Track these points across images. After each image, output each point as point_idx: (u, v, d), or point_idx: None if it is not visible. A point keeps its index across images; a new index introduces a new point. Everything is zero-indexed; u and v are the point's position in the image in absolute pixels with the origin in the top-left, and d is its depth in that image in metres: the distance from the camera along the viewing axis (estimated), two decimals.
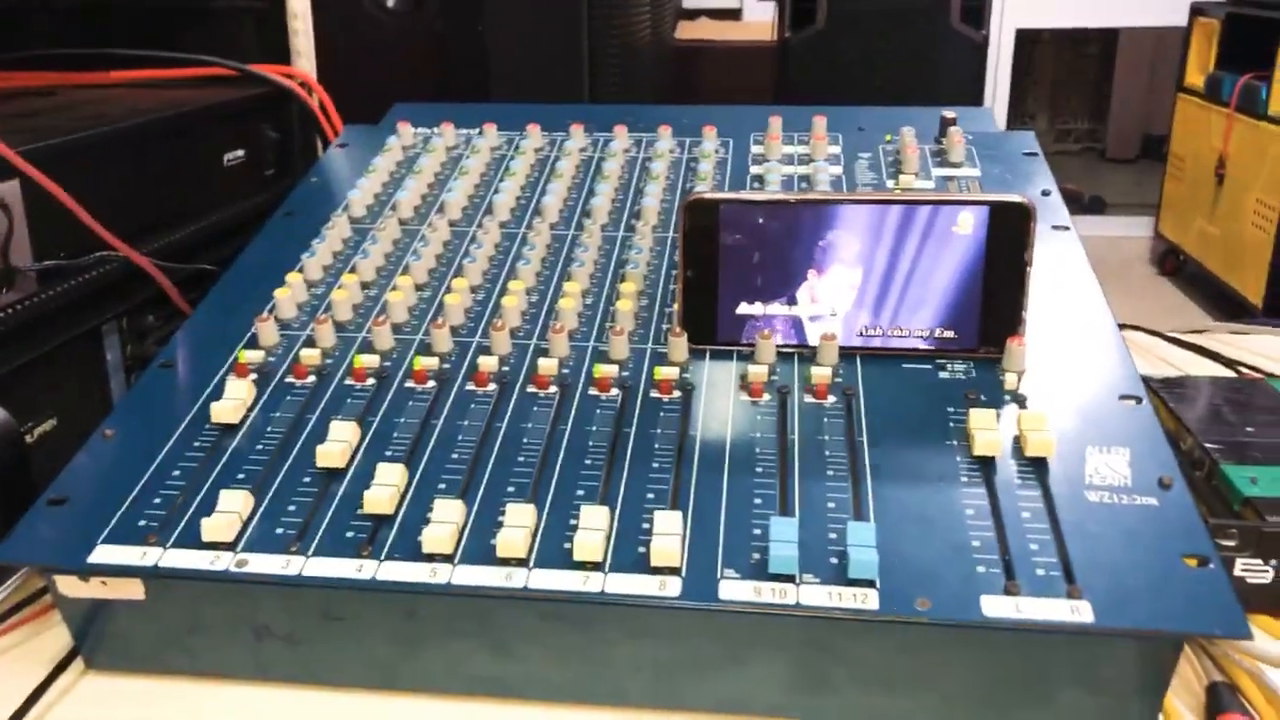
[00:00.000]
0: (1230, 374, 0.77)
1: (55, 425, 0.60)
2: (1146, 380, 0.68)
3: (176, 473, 0.50)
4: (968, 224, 0.53)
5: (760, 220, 0.55)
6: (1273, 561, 0.51)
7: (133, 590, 0.46)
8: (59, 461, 0.51)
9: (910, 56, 1.96)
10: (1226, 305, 3.02)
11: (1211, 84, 3.11)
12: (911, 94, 1.95)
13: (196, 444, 0.52)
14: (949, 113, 0.75)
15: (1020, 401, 0.52)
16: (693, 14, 3.29)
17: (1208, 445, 0.59)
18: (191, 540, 0.46)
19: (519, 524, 0.46)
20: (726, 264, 0.55)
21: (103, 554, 0.46)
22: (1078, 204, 4.20)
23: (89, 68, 0.82)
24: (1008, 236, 0.53)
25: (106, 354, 0.65)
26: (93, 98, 0.78)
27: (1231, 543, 0.51)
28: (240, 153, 0.80)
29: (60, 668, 0.49)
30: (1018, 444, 0.49)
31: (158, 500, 0.49)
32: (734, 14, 3.72)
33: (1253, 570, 0.51)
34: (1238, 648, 0.48)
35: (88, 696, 0.48)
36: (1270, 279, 2.75)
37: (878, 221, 0.54)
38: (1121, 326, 0.91)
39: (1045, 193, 0.69)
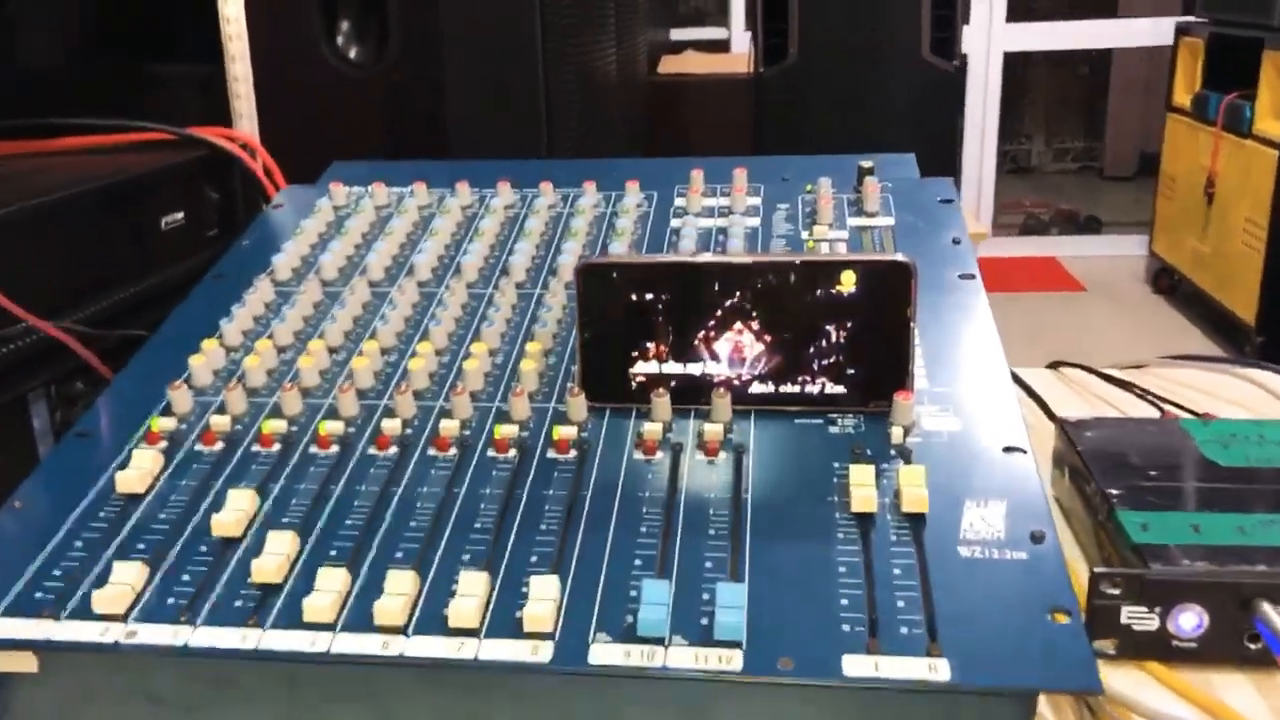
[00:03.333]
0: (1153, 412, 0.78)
1: None
2: (1062, 422, 0.69)
3: (78, 544, 0.51)
4: (850, 282, 0.54)
5: (652, 282, 0.56)
6: (1157, 609, 0.52)
7: (26, 663, 0.48)
8: None
9: (882, 88, 1.98)
10: (1220, 324, 3.01)
11: (1198, 103, 3.12)
12: (885, 125, 1.97)
13: (101, 514, 0.53)
14: (865, 162, 0.76)
15: (905, 456, 0.53)
16: (680, 46, 3.32)
17: (1107, 490, 0.59)
18: (85, 613, 0.48)
19: (399, 591, 0.47)
20: (621, 324, 0.57)
21: None
22: (1073, 224, 4.20)
23: (29, 137, 0.84)
24: (891, 294, 0.55)
25: (34, 421, 0.66)
26: (32, 167, 0.80)
27: (1116, 590, 0.52)
28: (179, 215, 0.82)
29: None
30: (896, 499, 0.50)
31: (56, 573, 0.50)
32: (723, 45, 3.76)
33: (1138, 618, 0.52)
34: (1115, 701, 0.49)
35: None
36: (1262, 296, 2.75)
37: (765, 281, 0.55)
38: (1056, 364, 0.92)
39: (955, 240, 0.70)
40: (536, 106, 1.26)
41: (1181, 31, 3.29)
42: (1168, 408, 0.78)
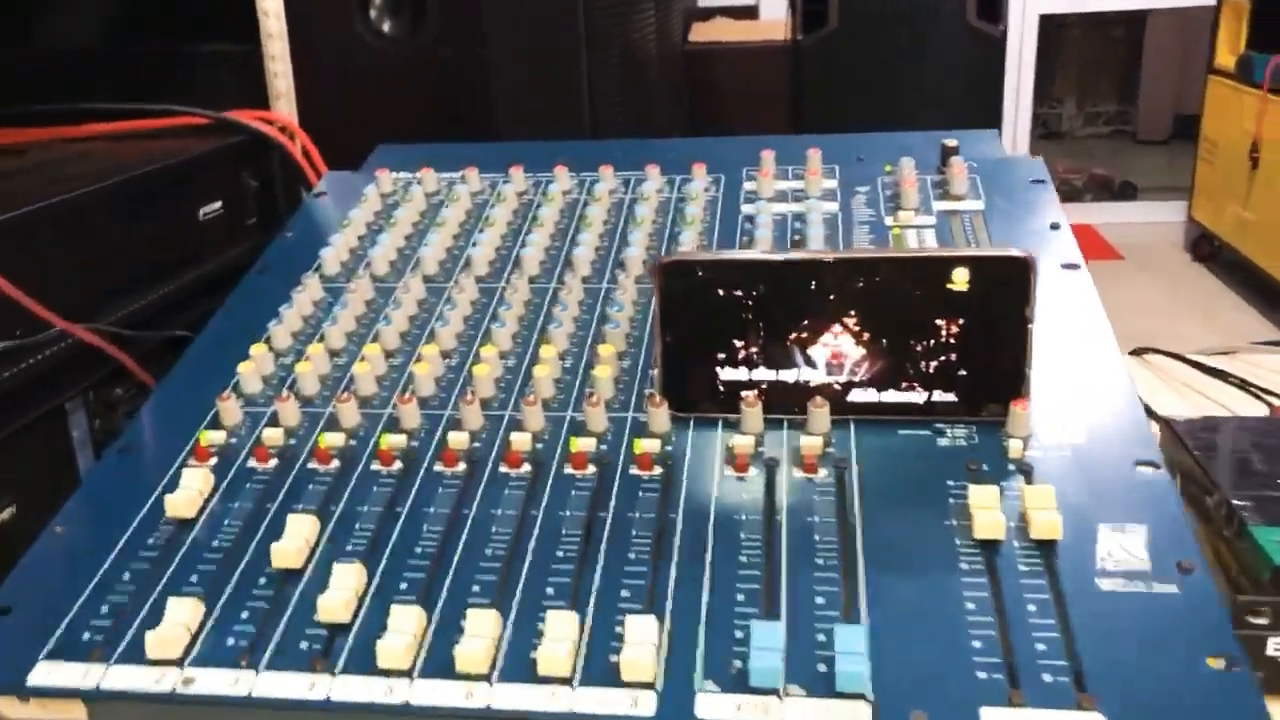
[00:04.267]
0: (1260, 408, 0.72)
1: (14, 512, 0.57)
2: (1168, 422, 0.64)
3: (126, 576, 0.47)
4: (963, 280, 0.49)
5: (741, 281, 0.51)
6: None
7: (75, 712, 0.44)
8: (20, 551, 0.49)
9: (926, 54, 1.91)
10: (1266, 292, 2.93)
11: (1243, 65, 3.02)
12: (928, 92, 1.90)
13: (149, 542, 0.49)
14: (950, 140, 0.71)
15: (1025, 473, 0.48)
16: (707, 13, 3.24)
17: (1236, 503, 0.54)
18: (137, 655, 0.44)
19: (481, 633, 0.42)
20: (707, 327, 0.52)
21: (43, 673, 0.43)
22: (1108, 190, 4.11)
23: (61, 123, 0.80)
24: (1007, 292, 0.49)
25: (72, 431, 0.62)
26: (62, 155, 0.75)
27: (1262, 620, 0.47)
28: (218, 204, 0.77)
29: None
30: (1023, 522, 0.46)
31: (104, 609, 0.46)
32: (750, 11, 3.67)
33: None
34: None
35: None
36: None
37: (868, 280, 0.50)
38: (1138, 351, 0.86)
39: (1054, 226, 0.65)
40: (579, 81, 1.21)
41: None
42: (1274, 401, 0.72)
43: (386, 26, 1.30)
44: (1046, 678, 0.40)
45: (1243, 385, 0.76)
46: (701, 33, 2.63)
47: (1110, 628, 0.41)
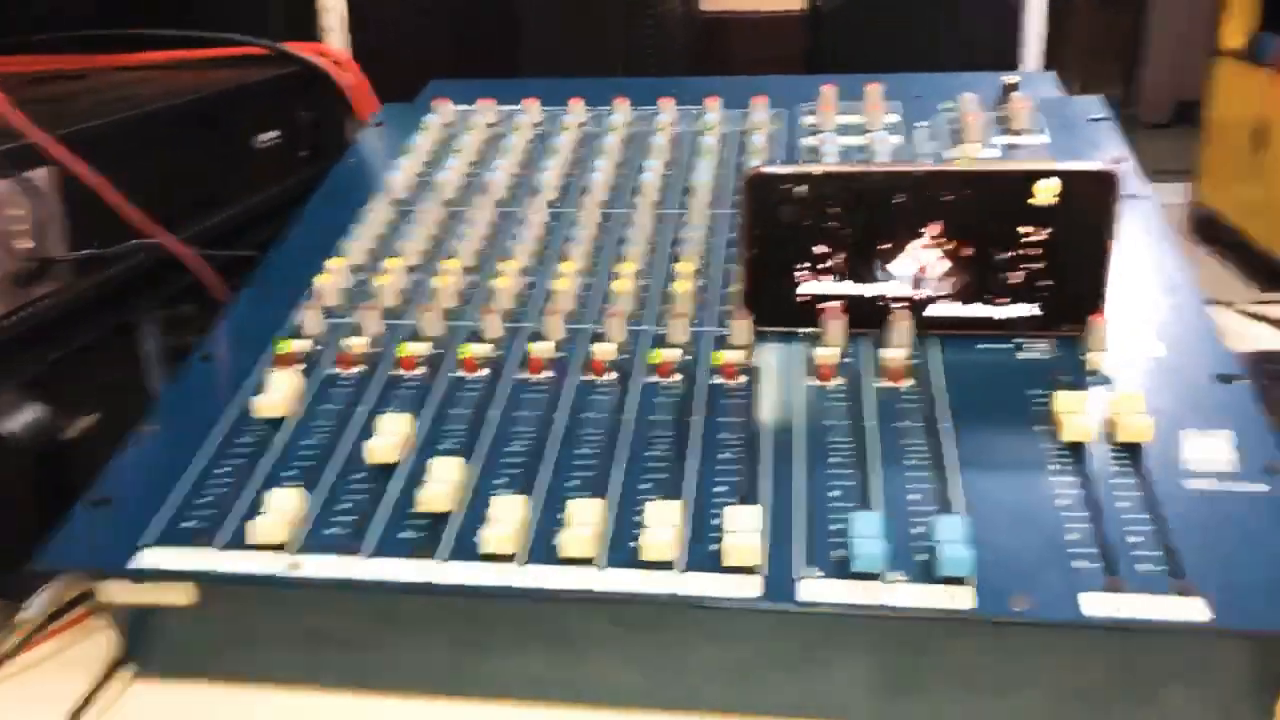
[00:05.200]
0: None
1: (94, 422, 0.57)
2: (1260, 356, 0.65)
3: (222, 470, 0.48)
4: (1047, 194, 0.50)
5: (827, 194, 0.52)
6: None
7: (183, 594, 0.44)
8: (99, 459, 0.49)
9: (944, 21, 1.91)
10: (1270, 274, 2.95)
11: (1252, 46, 3.03)
12: (946, 60, 1.89)
13: (241, 440, 0.50)
14: (1011, 78, 0.71)
15: (1106, 382, 0.49)
16: None
17: None
18: (242, 541, 0.44)
19: (585, 521, 0.43)
20: (791, 241, 0.52)
21: (150, 557, 0.44)
22: None
23: (118, 49, 0.80)
24: (1089, 207, 0.50)
25: (145, 346, 0.63)
26: (123, 80, 0.75)
27: None
28: (274, 134, 0.78)
29: (109, 673, 0.47)
30: (1108, 428, 0.46)
31: (204, 500, 0.46)
32: None
33: None
34: None
35: (137, 704, 0.46)
36: None
37: (953, 193, 0.51)
38: None
39: (1119, 160, 0.65)
40: (615, 39, 1.21)
41: None
42: None
43: None
44: (1142, 567, 0.41)
45: None
46: (713, 2, 2.62)
47: (1201, 523, 0.42)
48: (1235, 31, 3.19)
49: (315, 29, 0.85)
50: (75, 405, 0.56)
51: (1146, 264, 0.57)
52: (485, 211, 0.63)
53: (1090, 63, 4.98)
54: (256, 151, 0.76)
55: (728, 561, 0.42)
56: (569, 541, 0.42)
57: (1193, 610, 0.39)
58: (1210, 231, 3.39)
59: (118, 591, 0.45)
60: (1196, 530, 0.42)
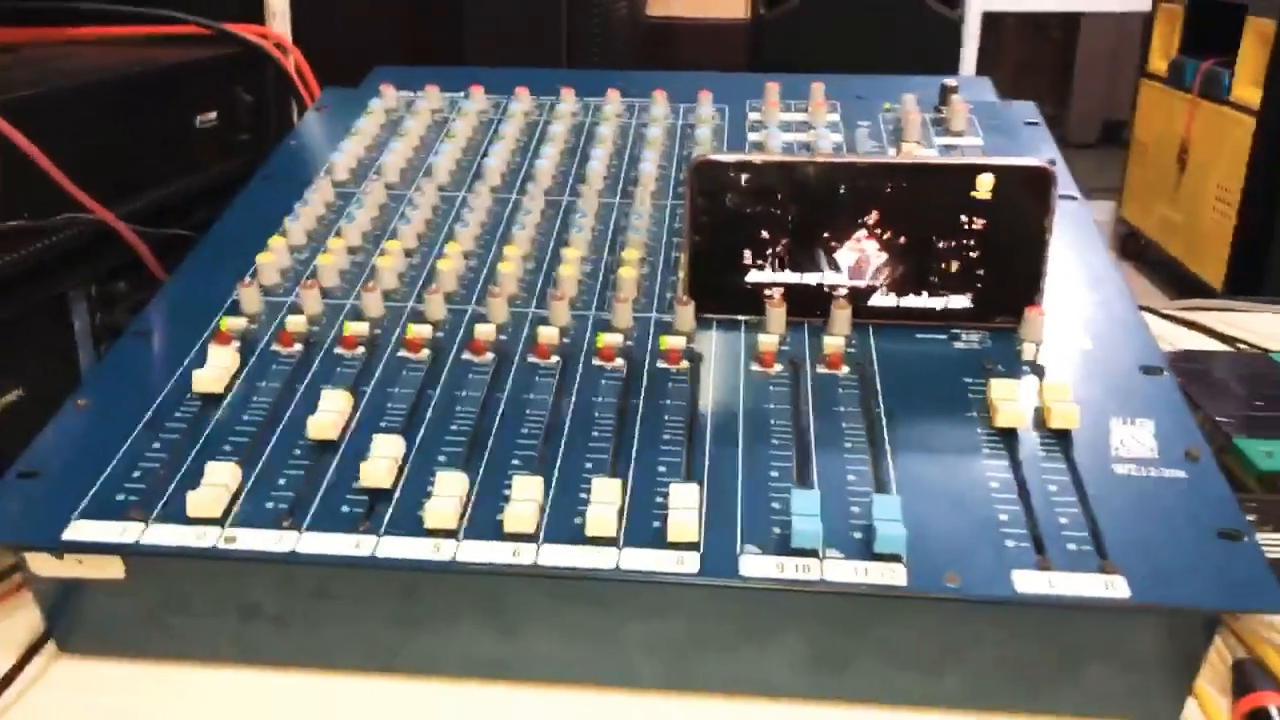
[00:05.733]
0: (1225, 350, 0.76)
1: (20, 396, 0.56)
2: None
3: (157, 445, 0.47)
4: (987, 187, 0.51)
5: (771, 183, 0.52)
6: None
7: (111, 569, 0.43)
8: (24, 435, 0.48)
9: (885, 36, 1.95)
10: (1186, 288, 3.04)
11: (1174, 70, 3.13)
12: (886, 73, 1.93)
13: (177, 415, 0.49)
14: (950, 81, 0.73)
15: (1039, 372, 0.51)
16: None
17: (1219, 420, 0.57)
18: (175, 515, 0.44)
19: (527, 497, 0.43)
20: (735, 229, 0.53)
21: (79, 530, 0.43)
22: None
23: (52, 24, 0.78)
24: (1028, 201, 0.52)
25: (74, 322, 0.61)
26: (57, 55, 0.74)
27: (1250, 518, 0.50)
28: (213, 115, 0.76)
29: (31, 651, 0.46)
30: (1039, 416, 0.48)
31: (137, 473, 0.46)
32: None
33: (1271, 545, 0.50)
34: (1263, 622, 0.47)
35: (62, 681, 0.45)
36: (1230, 262, 2.78)
37: (894, 185, 0.52)
38: None
39: (1051, 162, 0.67)
40: (558, 37, 1.21)
41: None
42: (1241, 346, 0.76)
43: None
44: (1071, 546, 0.42)
45: (1212, 333, 0.80)
46: (659, 6, 2.64)
47: (1126, 506, 0.44)
48: (1159, 55, 3.30)
49: (262, 12, 0.84)
50: (2, 380, 0.54)
51: (1077, 262, 0.58)
52: (429, 195, 0.63)
53: (1021, 81, 5.10)
54: (196, 131, 0.75)
55: (669, 538, 0.42)
56: (511, 517, 0.42)
57: (1115, 588, 0.40)
58: (1133, 248, 3.50)
59: (45, 565, 0.44)
60: (1120, 513, 0.43)
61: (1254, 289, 2.65)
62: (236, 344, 0.53)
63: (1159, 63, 3.28)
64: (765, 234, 0.53)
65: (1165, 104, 3.21)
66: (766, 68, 2.06)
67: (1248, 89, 2.74)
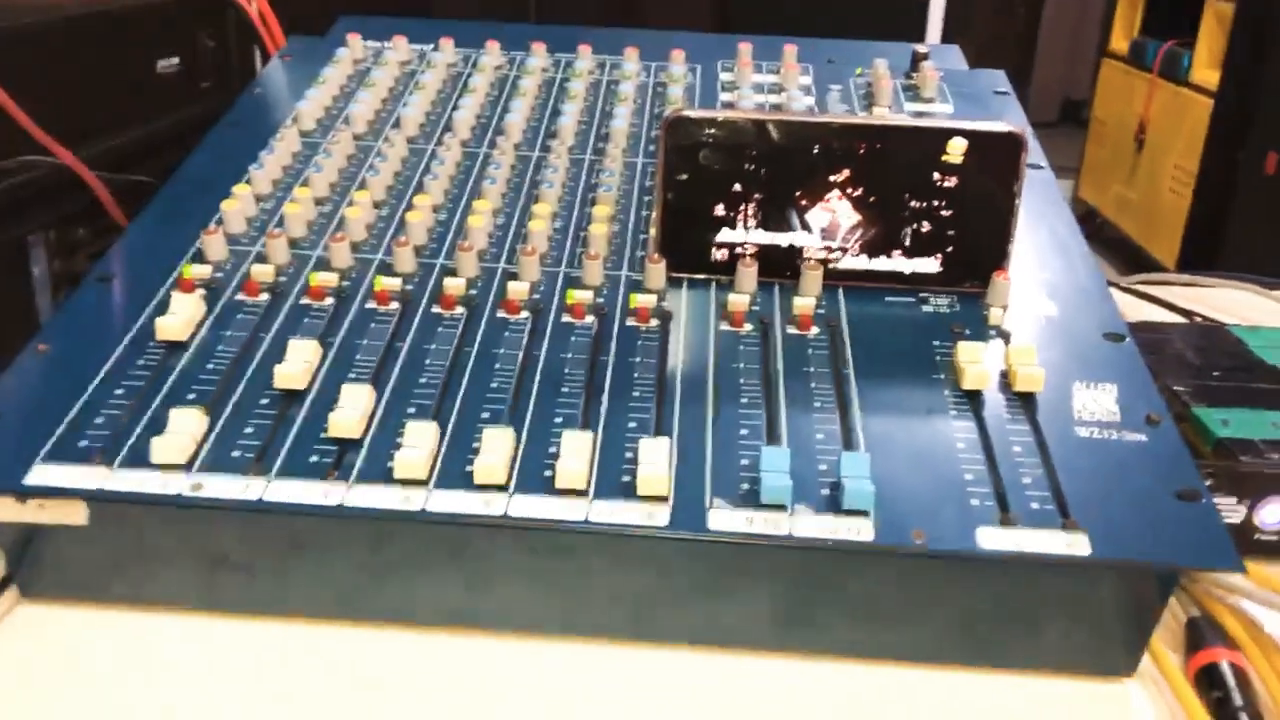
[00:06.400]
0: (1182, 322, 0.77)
1: None
2: None
3: (120, 391, 0.46)
4: (959, 152, 0.52)
5: (746, 141, 0.52)
6: (1245, 501, 0.51)
7: (75, 514, 0.43)
8: None
9: (851, 5, 1.95)
10: (1140, 266, 3.09)
11: (1135, 50, 3.16)
12: (853, 34, 1.93)
13: (141, 361, 0.48)
14: (921, 48, 0.73)
15: (1005, 336, 0.51)
16: None
17: (1177, 389, 0.59)
18: (140, 461, 0.43)
19: (497, 449, 0.43)
20: (707, 187, 0.53)
21: (41, 474, 0.42)
22: None
23: None
24: (998, 166, 0.52)
25: (33, 268, 0.60)
26: None
27: (1207, 483, 0.51)
28: (175, 60, 0.75)
29: None
30: (1005, 378, 0.48)
31: (100, 419, 0.45)
32: None
33: (1226, 509, 0.52)
34: (1217, 583, 0.48)
35: (21, 625, 0.45)
36: (1184, 242, 2.82)
37: (869, 146, 0.52)
38: None
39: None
40: None
41: None
42: (1198, 318, 0.77)
43: None
44: (1034, 505, 0.43)
45: (1171, 306, 0.82)
46: None
47: (1088, 466, 0.44)
48: (1121, 35, 3.33)
49: None
50: None
51: (1044, 230, 0.59)
52: (397, 147, 0.62)
53: (984, 57, 5.13)
54: (156, 76, 0.73)
55: (639, 491, 0.42)
56: (481, 468, 0.42)
57: (1076, 545, 0.41)
58: (1090, 226, 3.54)
59: (6, 510, 0.43)
60: (1082, 473, 0.44)
61: (1206, 269, 2.70)
62: (201, 292, 0.52)
63: (1120, 42, 3.31)
64: (738, 192, 0.53)
65: (1125, 84, 3.24)
66: (730, 22, 2.05)
67: (1206, 71, 2.77)
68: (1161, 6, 3.10)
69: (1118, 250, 3.29)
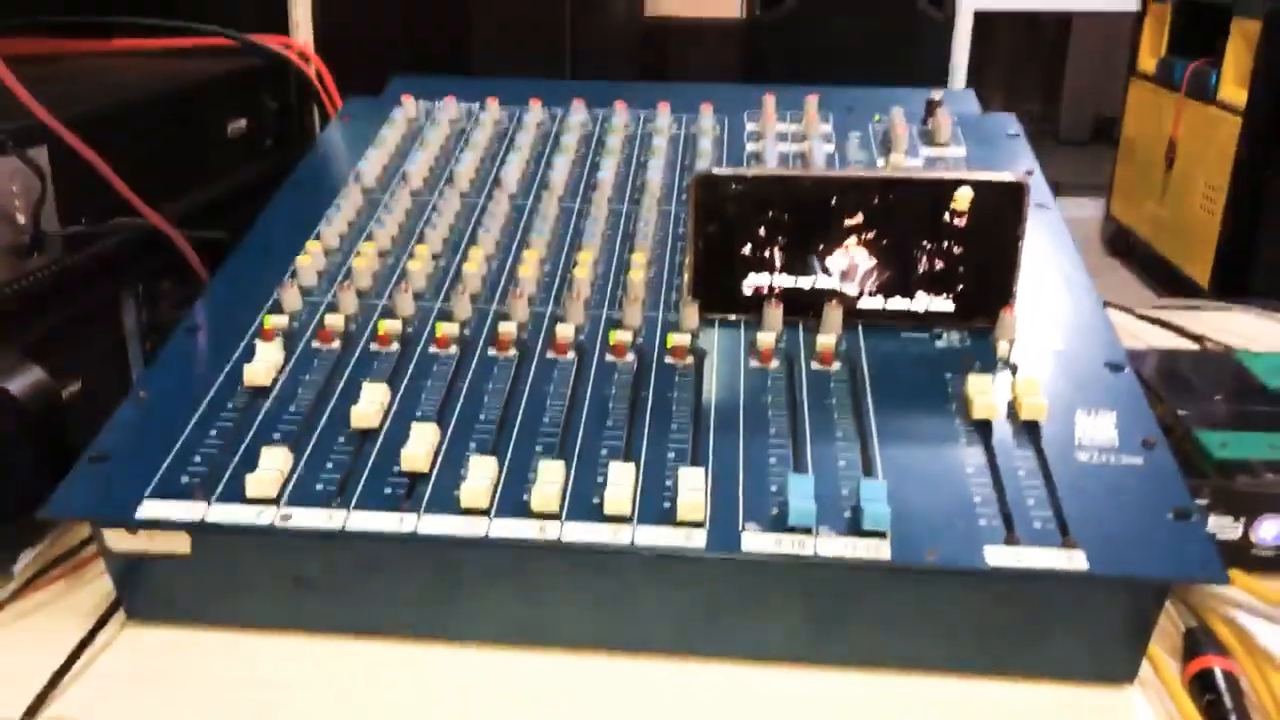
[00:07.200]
0: (1193, 347, 0.81)
1: (80, 388, 0.61)
2: (1128, 352, 0.72)
3: (214, 432, 0.52)
4: (965, 200, 0.56)
5: (768, 195, 0.57)
6: (1242, 519, 0.55)
7: (179, 544, 0.48)
8: (85, 424, 0.53)
9: (877, 37, 2.00)
10: (1174, 285, 3.10)
11: (1163, 69, 3.18)
12: (878, 73, 1.98)
13: (231, 405, 0.54)
14: (935, 94, 0.78)
15: (1013, 369, 0.56)
16: None
17: (1180, 412, 0.63)
18: (235, 495, 0.48)
19: (551, 480, 0.48)
20: (735, 236, 0.58)
21: (150, 508, 0.48)
22: None
23: (90, 36, 0.83)
24: (1003, 212, 0.57)
25: (125, 319, 0.66)
26: (96, 66, 0.78)
27: (1204, 501, 0.55)
28: (243, 123, 0.81)
29: (104, 619, 0.51)
30: (1012, 408, 0.53)
31: (198, 458, 0.51)
32: None
33: (1223, 527, 0.56)
34: (1213, 595, 0.52)
35: (130, 647, 0.50)
36: (1217, 260, 2.83)
37: (882, 197, 0.57)
38: None
39: (1028, 172, 0.72)
40: (561, 41, 1.26)
41: None
42: (1208, 344, 0.81)
43: None
44: (1037, 524, 0.47)
45: (1180, 331, 0.85)
46: (655, 6, 2.68)
47: (1087, 488, 0.49)
48: (1148, 54, 3.35)
49: (275, 21, 0.89)
50: (65, 373, 0.59)
51: (1050, 267, 0.64)
52: (451, 202, 0.68)
53: (1013, 79, 5.15)
54: (227, 139, 0.79)
55: (679, 517, 0.47)
56: (537, 497, 0.47)
57: (1075, 561, 0.45)
58: (1123, 244, 3.55)
59: (119, 540, 0.49)
60: (1082, 495, 0.48)
61: (1240, 287, 2.71)
62: (280, 340, 0.58)
63: (1148, 62, 3.33)
64: (763, 241, 0.58)
65: (1154, 103, 3.26)
66: (761, 66, 2.12)
67: (1233, 89, 2.79)
68: (1188, 25, 3.12)
69: (1151, 269, 3.30)
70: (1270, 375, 0.68)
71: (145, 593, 0.51)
